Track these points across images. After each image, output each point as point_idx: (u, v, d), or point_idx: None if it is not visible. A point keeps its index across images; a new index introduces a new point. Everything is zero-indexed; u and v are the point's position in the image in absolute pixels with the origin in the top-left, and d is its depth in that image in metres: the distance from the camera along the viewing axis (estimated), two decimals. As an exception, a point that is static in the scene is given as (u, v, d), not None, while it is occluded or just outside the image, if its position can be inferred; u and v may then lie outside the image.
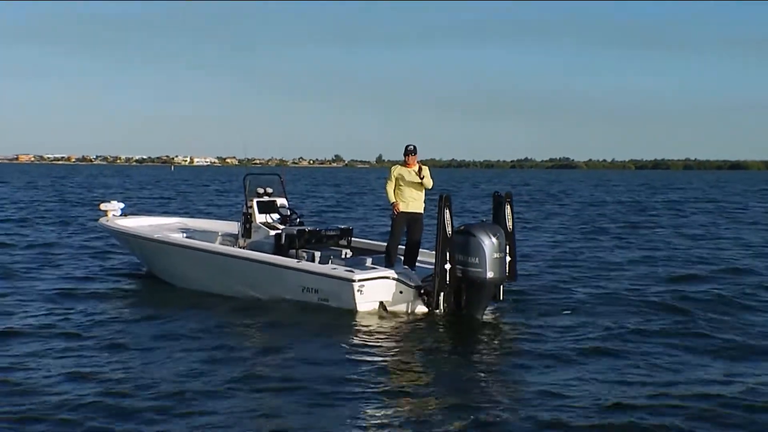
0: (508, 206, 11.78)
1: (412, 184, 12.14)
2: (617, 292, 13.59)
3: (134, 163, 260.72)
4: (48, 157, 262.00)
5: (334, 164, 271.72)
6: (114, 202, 16.33)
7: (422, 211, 12.30)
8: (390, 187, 12.22)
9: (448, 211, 11.19)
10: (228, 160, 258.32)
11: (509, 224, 11.71)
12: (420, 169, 12.05)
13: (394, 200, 12.13)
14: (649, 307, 12.35)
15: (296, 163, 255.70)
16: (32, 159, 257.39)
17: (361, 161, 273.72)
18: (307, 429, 6.97)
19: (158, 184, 72.07)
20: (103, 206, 16.16)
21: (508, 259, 11.45)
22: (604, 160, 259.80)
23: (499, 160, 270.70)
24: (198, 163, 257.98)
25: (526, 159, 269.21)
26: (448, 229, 11.16)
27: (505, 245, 11.34)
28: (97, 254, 18.19)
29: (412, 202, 12.17)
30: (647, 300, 12.87)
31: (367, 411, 7.45)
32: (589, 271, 16.23)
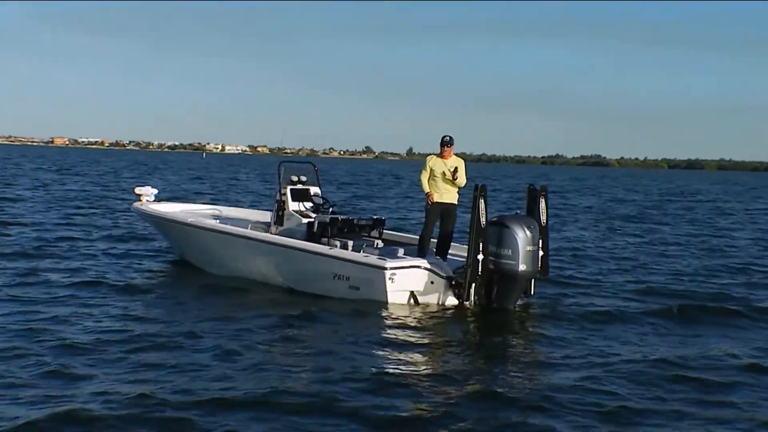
0: (543, 200, 11.67)
1: (446, 175, 12.09)
2: (651, 287, 13.51)
3: (166, 150, 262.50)
4: (82, 141, 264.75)
5: (365, 156, 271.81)
6: (148, 187, 16.47)
7: (456, 202, 12.24)
8: (424, 178, 12.19)
9: (483, 201, 11.12)
10: (259, 149, 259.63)
11: (543, 218, 11.62)
12: (455, 170, 11.96)
13: (429, 190, 12.10)
14: (687, 301, 12.27)
15: (327, 154, 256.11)
16: (67, 142, 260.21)
17: (391, 153, 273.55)
18: (333, 417, 6.95)
19: (189, 171, 72.48)
20: (137, 190, 16.35)
21: (540, 252, 11.38)
22: (636, 159, 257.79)
23: (529, 156, 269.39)
24: (229, 151, 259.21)
25: (557, 155, 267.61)
26: (482, 220, 11.11)
27: (539, 239, 11.27)
28: (129, 238, 18.35)
29: (446, 192, 12.11)
30: (683, 294, 12.78)
31: (394, 403, 7.38)
32: (622, 266, 16.11)
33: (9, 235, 17.47)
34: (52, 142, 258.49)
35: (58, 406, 6.88)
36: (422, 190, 12.25)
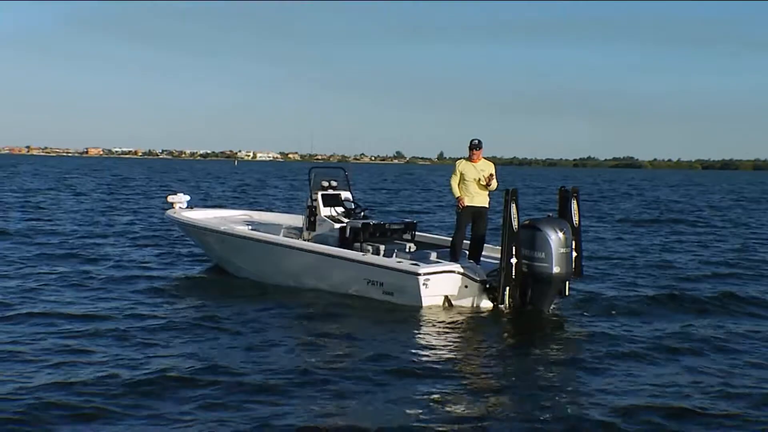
0: (575, 201, 11.64)
1: (476, 178, 12.10)
2: (685, 291, 13.37)
3: (198, 158, 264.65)
4: (116, 151, 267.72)
5: (396, 161, 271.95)
6: (180, 195, 16.56)
7: (487, 206, 12.24)
8: (454, 182, 12.20)
9: (514, 205, 11.11)
10: (290, 156, 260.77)
11: (575, 219, 11.58)
12: (490, 176, 12.00)
13: (459, 194, 12.10)
14: (716, 306, 12.14)
15: (358, 160, 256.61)
16: (101, 152, 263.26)
17: (422, 158, 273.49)
18: (369, 421, 6.96)
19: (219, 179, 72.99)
20: (170, 198, 16.45)
21: (574, 254, 11.32)
22: (670, 160, 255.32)
23: (561, 159, 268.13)
24: (261, 158, 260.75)
25: (589, 158, 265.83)
26: (515, 224, 11.09)
27: (572, 240, 11.22)
28: (163, 245, 18.51)
29: (477, 196, 12.12)
30: (715, 298, 12.64)
31: (430, 406, 7.40)
32: (654, 269, 15.96)
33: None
34: (86, 152, 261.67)
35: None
36: (453, 195, 12.26)
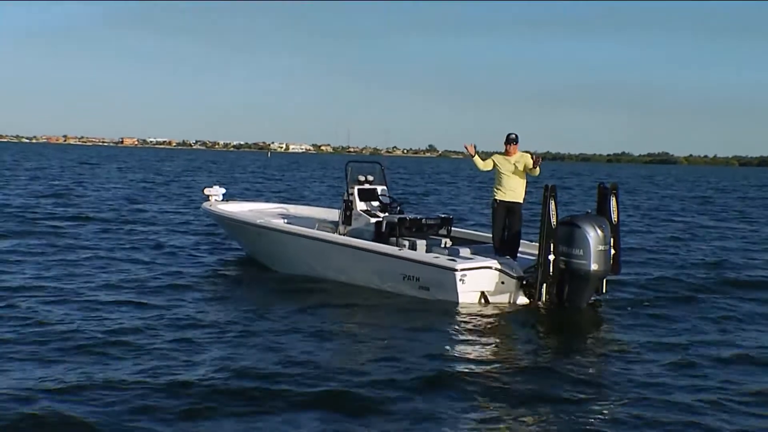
0: (614, 198, 11.57)
1: (511, 173, 12.08)
2: (727, 280, 13.34)
3: (231, 149, 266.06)
4: (151, 141, 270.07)
5: (428, 154, 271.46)
6: (216, 187, 16.67)
7: (521, 201, 12.22)
8: (480, 162, 12.33)
9: (553, 201, 11.06)
10: (323, 148, 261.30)
11: (614, 216, 11.50)
12: (537, 159, 12.06)
13: (480, 163, 12.32)
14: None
15: (390, 152, 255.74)
16: (136, 143, 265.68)
17: (455, 152, 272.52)
18: (404, 418, 6.97)
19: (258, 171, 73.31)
20: (206, 191, 16.57)
21: (612, 251, 11.24)
22: (706, 156, 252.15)
23: (595, 154, 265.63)
24: (293, 150, 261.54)
25: (623, 153, 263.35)
26: (553, 220, 11.03)
27: (610, 237, 11.15)
28: (200, 237, 18.66)
29: (511, 192, 12.12)
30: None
31: (467, 403, 7.39)
32: (694, 267, 15.80)
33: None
34: (121, 142, 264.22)
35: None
36: (476, 166, 12.36)
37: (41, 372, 7.81)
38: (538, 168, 12.08)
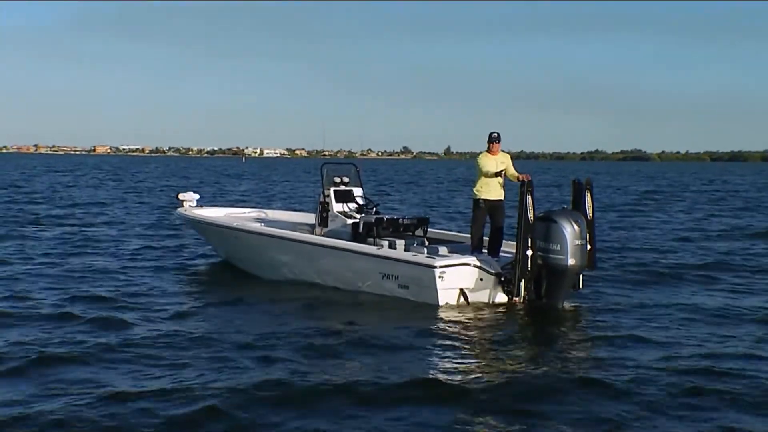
0: (588, 194, 11.62)
1: (494, 172, 12.12)
2: (700, 274, 13.51)
3: (206, 155, 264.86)
4: (123, 149, 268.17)
5: (403, 156, 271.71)
6: (190, 193, 16.63)
7: (503, 198, 12.26)
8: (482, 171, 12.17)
9: (530, 196, 11.11)
10: (297, 152, 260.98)
11: (589, 212, 11.56)
12: (526, 183, 11.76)
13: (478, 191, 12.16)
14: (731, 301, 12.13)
15: (365, 155, 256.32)
16: (109, 150, 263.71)
17: (429, 153, 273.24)
18: (382, 419, 6.95)
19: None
20: (180, 196, 16.49)
21: (587, 247, 11.31)
22: (678, 152, 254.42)
23: (569, 152, 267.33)
24: (268, 155, 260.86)
25: (596, 151, 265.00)
26: (530, 215, 11.08)
27: (586, 232, 11.21)
28: (172, 242, 18.55)
29: (494, 190, 12.16)
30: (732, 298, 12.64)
31: (444, 402, 7.37)
32: (668, 256, 15.95)
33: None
34: (94, 150, 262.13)
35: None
36: (487, 170, 12.07)
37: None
38: (508, 169, 12.12)
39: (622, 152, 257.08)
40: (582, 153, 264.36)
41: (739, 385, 7.81)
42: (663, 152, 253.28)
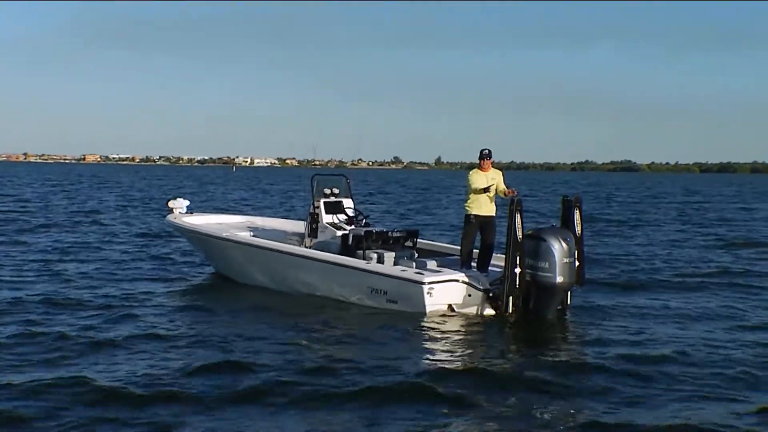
0: (577, 210, 11.67)
1: (485, 188, 12.14)
2: (686, 285, 13.71)
3: (196, 164, 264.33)
4: (113, 158, 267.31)
5: (393, 166, 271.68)
6: (180, 200, 16.52)
7: (494, 214, 12.29)
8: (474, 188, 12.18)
9: (519, 215, 11.15)
10: (288, 161, 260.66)
11: (578, 229, 11.60)
12: (515, 201, 11.71)
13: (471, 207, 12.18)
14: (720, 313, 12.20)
15: (355, 165, 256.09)
16: (98, 159, 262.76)
17: (419, 163, 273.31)
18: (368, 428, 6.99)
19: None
20: (170, 204, 16.42)
21: (576, 263, 11.34)
22: (668, 163, 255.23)
23: (559, 162, 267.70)
24: (258, 164, 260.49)
25: (586, 161, 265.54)
26: (519, 233, 11.11)
27: (575, 250, 11.25)
28: (162, 250, 18.51)
29: (486, 206, 12.21)
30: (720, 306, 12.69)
31: (433, 414, 7.43)
32: (658, 275, 15.99)
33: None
34: (84, 159, 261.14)
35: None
36: (481, 188, 12.09)
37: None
38: (498, 186, 12.16)
39: (612, 163, 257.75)
40: (572, 164, 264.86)
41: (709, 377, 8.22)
42: (653, 163, 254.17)
